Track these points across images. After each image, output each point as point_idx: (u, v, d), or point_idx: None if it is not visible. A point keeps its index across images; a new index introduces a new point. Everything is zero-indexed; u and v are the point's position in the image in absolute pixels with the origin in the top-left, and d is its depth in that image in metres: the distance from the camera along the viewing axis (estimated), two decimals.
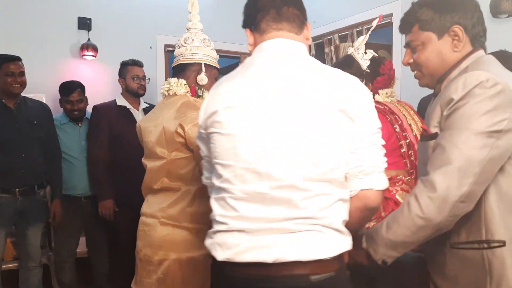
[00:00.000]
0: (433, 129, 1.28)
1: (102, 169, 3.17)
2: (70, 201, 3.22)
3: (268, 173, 1.13)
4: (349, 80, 1.22)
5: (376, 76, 2.07)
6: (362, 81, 2.11)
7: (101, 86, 3.87)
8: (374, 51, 2.13)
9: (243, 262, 1.15)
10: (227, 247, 1.17)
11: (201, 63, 1.93)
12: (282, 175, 1.13)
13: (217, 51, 2.06)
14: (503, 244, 1.18)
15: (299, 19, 1.28)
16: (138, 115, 3.31)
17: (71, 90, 3.28)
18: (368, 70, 2.05)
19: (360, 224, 1.29)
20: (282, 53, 1.23)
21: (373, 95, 2.04)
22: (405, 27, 1.40)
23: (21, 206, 2.89)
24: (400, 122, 1.92)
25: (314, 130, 1.13)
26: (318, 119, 1.13)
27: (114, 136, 3.19)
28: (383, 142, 1.23)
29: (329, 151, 1.14)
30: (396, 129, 1.91)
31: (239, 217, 1.16)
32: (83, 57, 3.87)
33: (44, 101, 3.40)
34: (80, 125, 3.35)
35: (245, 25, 1.33)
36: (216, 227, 1.21)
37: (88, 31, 3.90)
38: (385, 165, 1.22)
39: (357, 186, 1.19)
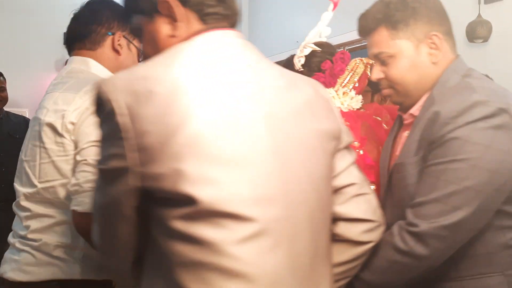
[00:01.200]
0: None
1: None
2: None
3: (16, 189, 1.23)
4: (73, 92, 1.14)
5: (311, 74, 1.56)
6: None
7: None
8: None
9: None
10: None
11: None
12: (17, 192, 1.22)
13: None
14: None
15: (95, 33, 1.26)
16: None
17: None
18: (302, 69, 1.62)
19: None
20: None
21: None
22: None
23: None
24: None
25: (32, 150, 1.18)
26: (34, 139, 1.17)
27: None
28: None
29: (41, 171, 1.14)
30: None
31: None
32: None
33: (27, 116, 3.38)
34: None
35: None
36: None
37: None
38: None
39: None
